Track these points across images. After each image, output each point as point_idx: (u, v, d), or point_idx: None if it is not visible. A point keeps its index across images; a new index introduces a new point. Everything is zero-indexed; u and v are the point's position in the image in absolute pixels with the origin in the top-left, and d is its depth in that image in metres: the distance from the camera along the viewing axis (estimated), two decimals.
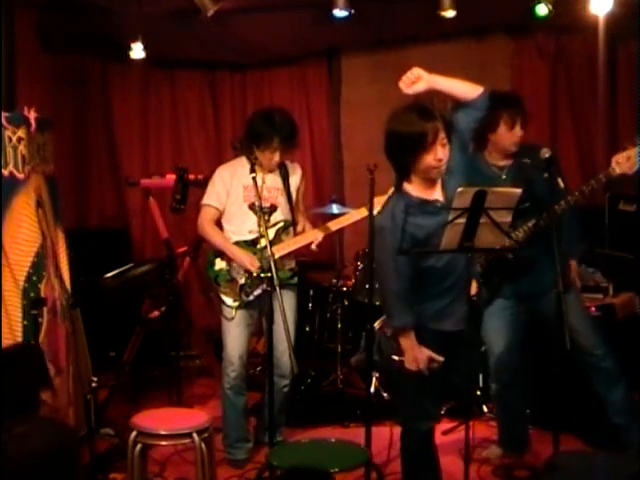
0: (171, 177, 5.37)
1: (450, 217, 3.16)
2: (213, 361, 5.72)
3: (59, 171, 4.70)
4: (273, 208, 4.50)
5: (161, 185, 5.62)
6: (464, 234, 3.20)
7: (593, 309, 4.74)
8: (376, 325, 3.74)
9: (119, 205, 6.66)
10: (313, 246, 4.49)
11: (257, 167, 4.27)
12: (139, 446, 3.77)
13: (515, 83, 6.33)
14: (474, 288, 3.63)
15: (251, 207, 4.44)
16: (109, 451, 4.45)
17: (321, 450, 3.60)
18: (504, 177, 4.22)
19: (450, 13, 5.29)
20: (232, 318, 4.46)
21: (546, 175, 3.85)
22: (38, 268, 4.13)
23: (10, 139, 4.07)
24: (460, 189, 3.16)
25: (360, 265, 5.58)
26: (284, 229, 4.54)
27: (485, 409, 5.07)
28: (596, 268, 5.18)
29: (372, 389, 5.09)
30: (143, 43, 5.57)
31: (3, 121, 4.06)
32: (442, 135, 3.32)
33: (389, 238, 3.33)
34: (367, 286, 4.56)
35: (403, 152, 3.36)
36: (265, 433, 4.36)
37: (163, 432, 3.79)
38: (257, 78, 6.78)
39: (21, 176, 4.10)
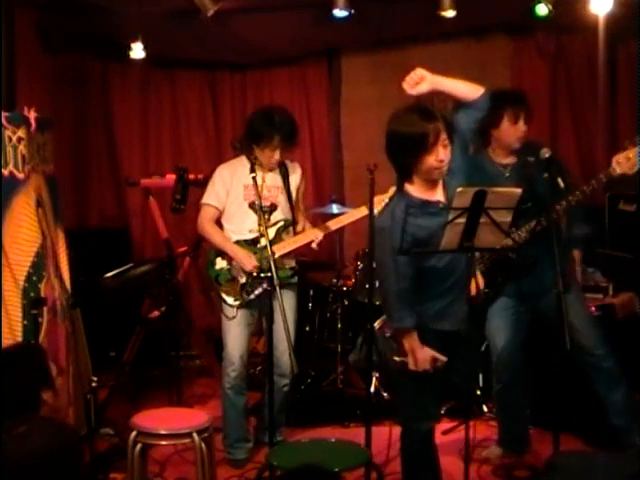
0: (171, 177, 5.38)
1: (450, 217, 3.16)
2: (213, 361, 5.72)
3: (59, 171, 4.70)
4: (273, 207, 4.50)
5: (161, 185, 5.62)
6: (464, 234, 3.20)
7: (593, 309, 4.74)
8: (376, 325, 3.75)
9: (119, 205, 6.66)
10: (313, 245, 4.49)
11: (257, 166, 4.28)
12: (139, 446, 3.77)
13: (515, 83, 6.32)
14: (477, 286, 3.63)
15: (251, 206, 4.45)
16: (109, 451, 4.45)
17: (321, 450, 3.60)
18: (507, 175, 4.22)
19: (450, 13, 5.29)
20: (233, 317, 4.46)
21: (546, 175, 3.85)
22: (38, 268, 4.13)
23: (10, 139, 4.08)
24: (460, 189, 3.16)
25: (360, 265, 5.58)
26: (284, 228, 4.54)
27: (485, 409, 5.07)
28: (596, 268, 5.18)
29: (372, 389, 5.09)
30: (143, 43, 5.57)
31: (3, 121, 4.06)
32: (443, 136, 3.31)
33: (390, 239, 3.33)
34: (367, 286, 4.57)
35: (404, 153, 3.35)
36: (265, 433, 4.36)
37: (163, 432, 3.79)
38: (257, 78, 6.78)
39: (21, 176, 4.10)
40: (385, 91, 6.25)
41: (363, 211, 4.36)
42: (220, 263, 4.51)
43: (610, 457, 3.06)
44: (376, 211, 3.79)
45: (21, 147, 4.10)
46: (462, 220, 3.17)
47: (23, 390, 2.94)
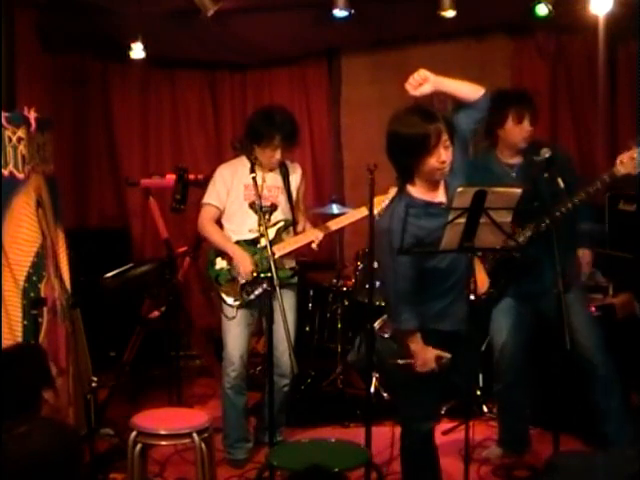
0: (171, 177, 5.37)
1: (450, 217, 3.16)
2: (213, 361, 5.72)
3: (59, 171, 4.70)
4: (273, 207, 4.50)
5: (161, 185, 5.62)
6: (464, 234, 3.20)
7: (593, 309, 4.74)
8: (376, 325, 3.75)
9: (119, 205, 6.66)
10: (313, 245, 4.49)
11: (257, 166, 4.28)
12: (139, 446, 3.78)
13: (515, 83, 6.31)
14: (484, 286, 3.63)
15: (251, 206, 4.45)
16: (109, 451, 4.46)
17: (321, 450, 3.60)
18: (514, 175, 4.22)
19: (450, 13, 5.29)
20: (233, 317, 4.46)
21: (546, 175, 3.86)
22: (38, 268, 4.13)
23: (10, 139, 4.08)
24: (460, 189, 3.16)
25: (360, 265, 5.58)
26: (284, 228, 4.54)
27: (485, 409, 5.07)
28: (596, 268, 5.18)
29: (372, 389, 5.09)
30: (143, 43, 5.57)
31: (3, 121, 4.06)
32: (445, 137, 3.31)
33: (392, 240, 3.32)
34: (367, 286, 4.56)
35: (406, 154, 3.35)
36: (265, 433, 4.36)
37: (163, 432, 3.79)
38: (257, 78, 6.78)
39: (21, 176, 4.10)
40: (385, 91, 6.25)
41: (363, 211, 4.36)
42: (220, 263, 4.51)
43: (610, 457, 3.06)
44: (376, 211, 3.79)
45: (21, 147, 4.10)
46: (462, 220, 3.17)
47: (23, 390, 2.94)
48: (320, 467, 3.06)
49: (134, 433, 3.79)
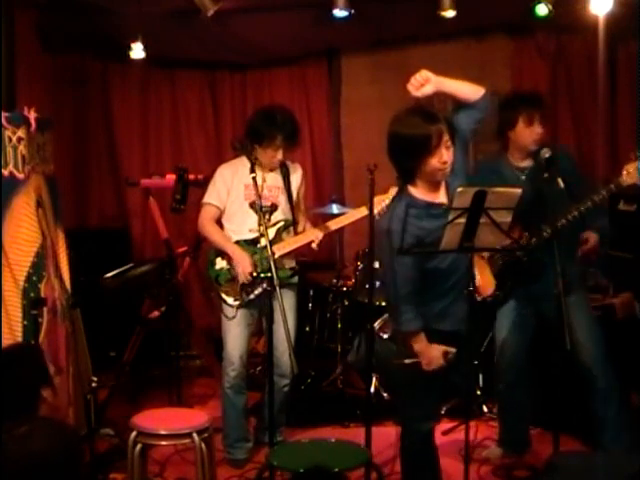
0: (171, 177, 5.37)
1: (450, 217, 3.16)
2: (213, 361, 5.72)
3: (59, 171, 4.69)
4: (274, 207, 4.50)
5: (161, 185, 5.61)
6: (464, 234, 3.20)
7: (593, 309, 4.74)
8: (376, 325, 3.74)
9: (119, 205, 6.66)
10: (313, 245, 4.49)
11: (257, 166, 4.28)
12: (139, 446, 3.77)
13: (515, 83, 6.32)
14: (490, 288, 3.63)
15: (252, 206, 4.45)
16: (109, 451, 4.46)
17: (321, 450, 3.60)
18: (523, 178, 4.21)
19: (450, 13, 5.29)
20: (233, 317, 4.46)
21: (546, 175, 3.85)
22: (38, 268, 4.13)
23: (10, 139, 4.07)
24: (460, 189, 3.15)
25: (360, 265, 5.58)
26: (284, 228, 4.54)
27: (485, 409, 5.07)
28: (596, 268, 5.18)
29: (372, 389, 5.09)
30: (143, 43, 5.57)
31: (3, 121, 4.06)
32: (446, 137, 3.31)
33: (392, 240, 3.32)
34: (367, 286, 4.56)
35: (408, 156, 3.35)
36: (265, 433, 4.36)
37: (163, 432, 3.79)
38: (257, 78, 6.78)
39: (21, 176, 4.10)
40: (385, 91, 6.25)
41: (363, 211, 4.36)
42: (220, 263, 4.51)
43: (610, 457, 3.07)
44: (376, 211, 3.79)
45: (21, 147, 4.10)
46: (462, 220, 3.17)
47: (22, 390, 2.94)
48: (320, 467, 3.06)
49: (134, 433, 3.79)
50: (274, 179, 4.53)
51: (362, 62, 6.70)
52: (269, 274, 3.84)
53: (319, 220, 5.23)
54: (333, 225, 4.62)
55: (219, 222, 4.57)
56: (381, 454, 4.10)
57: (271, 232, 4.40)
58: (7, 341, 3.89)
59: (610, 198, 5.52)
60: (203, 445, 3.78)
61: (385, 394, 5.22)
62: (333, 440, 3.81)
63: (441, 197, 3.44)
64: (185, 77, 6.75)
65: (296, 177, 4.62)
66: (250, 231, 4.48)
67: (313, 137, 6.77)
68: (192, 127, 6.77)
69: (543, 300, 4.11)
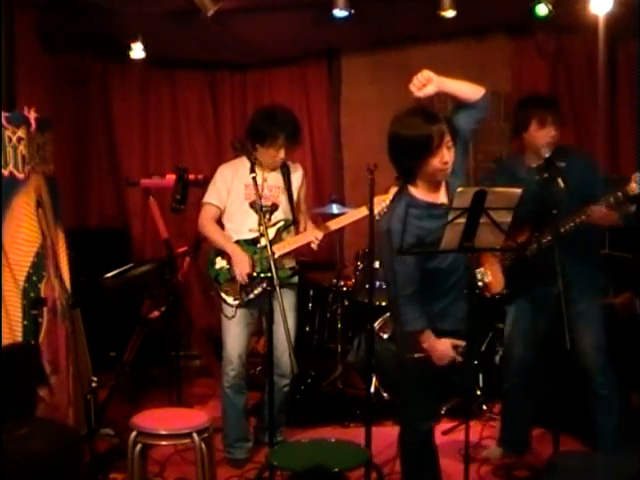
0: (171, 177, 5.37)
1: (450, 217, 3.16)
2: (213, 361, 5.72)
3: (59, 171, 4.69)
4: (274, 207, 4.51)
5: (161, 185, 5.61)
6: (464, 234, 3.20)
7: None
8: (376, 325, 3.74)
9: (119, 205, 6.66)
10: (313, 245, 4.49)
11: (258, 166, 4.28)
12: (139, 446, 3.78)
13: (515, 83, 6.32)
14: (499, 286, 3.62)
15: (252, 205, 4.45)
16: (109, 451, 4.46)
17: (321, 450, 3.60)
18: (537, 178, 4.20)
19: (450, 13, 5.28)
20: (232, 317, 4.46)
21: (546, 175, 3.85)
22: (38, 268, 4.13)
23: (10, 139, 4.07)
24: (460, 189, 3.16)
25: (360, 265, 5.58)
26: (285, 228, 4.54)
27: (485, 409, 5.07)
28: None
29: (372, 389, 5.09)
30: (143, 43, 5.56)
31: (3, 121, 4.06)
32: (447, 138, 3.31)
33: (392, 240, 3.32)
34: (367, 286, 4.56)
35: (409, 156, 3.35)
36: (265, 433, 4.36)
37: (163, 432, 3.79)
38: (257, 78, 6.78)
39: (21, 176, 4.10)
40: (385, 91, 6.25)
41: (363, 211, 4.36)
42: (220, 263, 4.51)
43: (610, 457, 3.07)
44: (376, 211, 3.79)
45: (21, 147, 4.10)
46: (462, 220, 3.17)
47: (19, 390, 2.94)
48: (320, 467, 3.06)
49: (134, 433, 3.79)
50: (275, 179, 4.53)
51: (362, 62, 6.70)
52: (269, 274, 3.84)
53: (319, 220, 5.23)
54: (333, 225, 4.62)
55: (220, 222, 4.57)
56: (381, 454, 4.11)
57: (271, 232, 4.40)
58: (7, 341, 3.89)
59: None
60: (203, 445, 3.78)
61: (385, 394, 5.22)
62: (333, 440, 3.82)
63: (441, 197, 3.44)
64: (185, 77, 6.75)
65: (297, 177, 4.62)
66: (250, 231, 4.48)
67: (313, 137, 6.76)
68: (192, 127, 6.77)
69: (552, 301, 4.10)
